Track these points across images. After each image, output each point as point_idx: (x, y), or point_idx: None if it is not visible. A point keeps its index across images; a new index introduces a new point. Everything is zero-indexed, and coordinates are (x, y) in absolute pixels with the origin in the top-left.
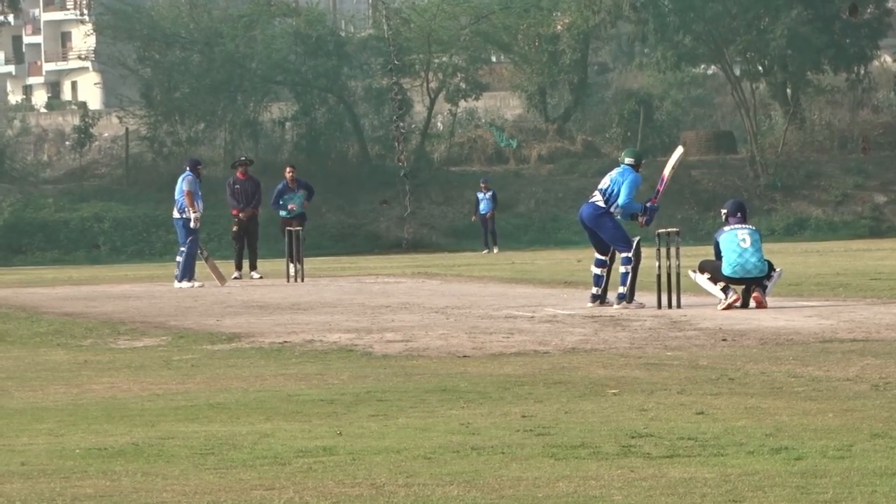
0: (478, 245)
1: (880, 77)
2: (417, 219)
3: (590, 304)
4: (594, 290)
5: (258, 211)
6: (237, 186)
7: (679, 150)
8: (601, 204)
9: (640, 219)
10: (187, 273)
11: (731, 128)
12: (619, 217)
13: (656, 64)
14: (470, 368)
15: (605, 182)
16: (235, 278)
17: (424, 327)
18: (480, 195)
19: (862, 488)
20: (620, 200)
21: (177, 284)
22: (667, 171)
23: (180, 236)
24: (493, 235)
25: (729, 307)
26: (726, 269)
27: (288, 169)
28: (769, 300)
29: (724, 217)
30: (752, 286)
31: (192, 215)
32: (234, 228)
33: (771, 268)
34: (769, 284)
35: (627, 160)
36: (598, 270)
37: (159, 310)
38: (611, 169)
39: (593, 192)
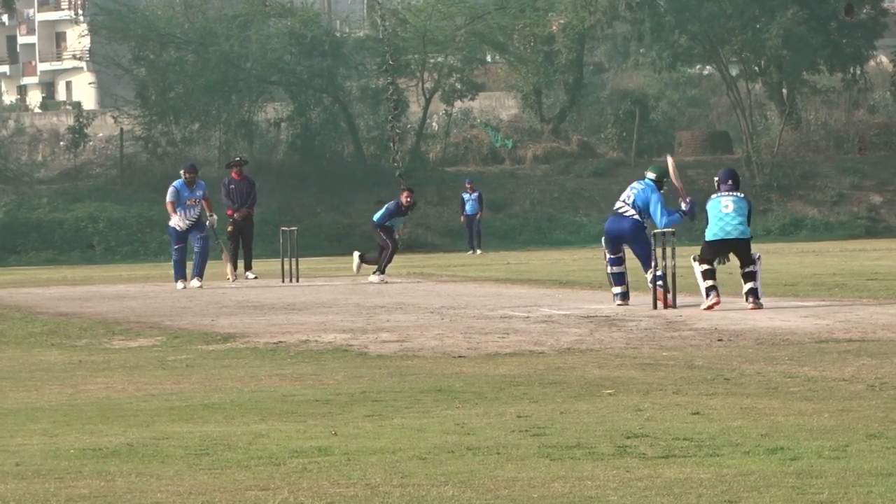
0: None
1: (876, 77)
2: (412, 219)
3: (619, 303)
4: (619, 289)
5: (253, 211)
6: (232, 186)
7: (669, 160)
8: (638, 218)
9: (684, 216)
10: (194, 273)
11: (727, 128)
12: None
13: (652, 64)
14: (465, 369)
15: (629, 195)
16: (228, 279)
17: (420, 327)
18: (466, 196)
19: (858, 489)
20: (660, 224)
21: (194, 283)
22: (676, 181)
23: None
24: (478, 236)
25: (710, 308)
26: (708, 235)
27: (406, 194)
28: (765, 300)
29: (716, 184)
30: (743, 284)
31: (174, 220)
32: (230, 228)
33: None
34: (757, 285)
35: (650, 175)
36: (618, 269)
37: (154, 310)
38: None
39: (617, 205)
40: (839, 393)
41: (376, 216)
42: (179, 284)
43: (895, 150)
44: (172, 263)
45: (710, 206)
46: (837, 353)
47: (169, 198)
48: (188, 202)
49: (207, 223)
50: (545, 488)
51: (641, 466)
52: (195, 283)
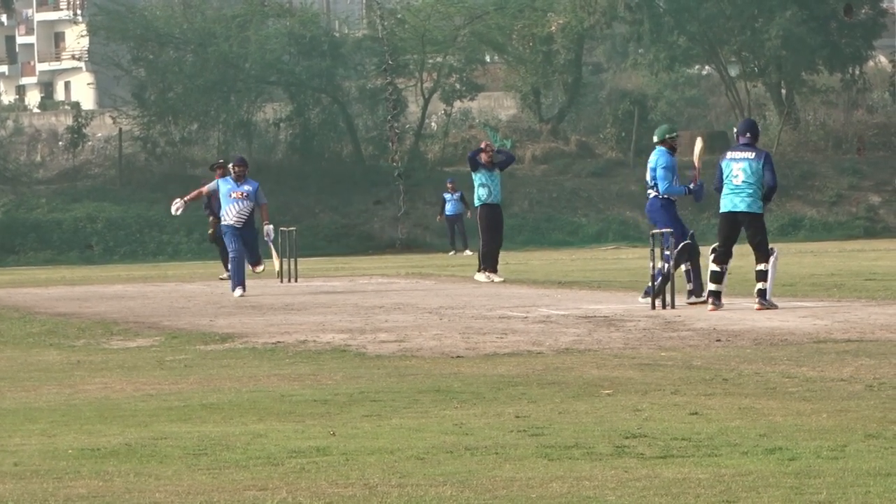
0: (470, 246)
1: (875, 77)
2: (411, 219)
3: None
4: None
5: None
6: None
7: (698, 142)
8: (653, 193)
9: (688, 194)
10: (241, 279)
11: (726, 128)
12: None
13: (650, 65)
14: (463, 369)
15: (650, 174)
16: (222, 279)
17: (418, 328)
18: (447, 196)
19: (856, 489)
20: (661, 188)
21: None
22: (696, 162)
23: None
24: (462, 237)
25: (694, 304)
26: (721, 207)
27: (484, 144)
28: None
29: (735, 136)
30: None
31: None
32: (210, 231)
33: (766, 254)
34: (767, 286)
35: (655, 139)
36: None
37: (152, 310)
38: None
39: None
40: (837, 393)
41: (475, 196)
42: (238, 292)
43: (894, 150)
44: (230, 266)
45: (724, 165)
46: (836, 353)
47: (205, 188)
48: (233, 194)
49: (264, 231)
50: (543, 488)
51: (640, 466)
52: (244, 290)
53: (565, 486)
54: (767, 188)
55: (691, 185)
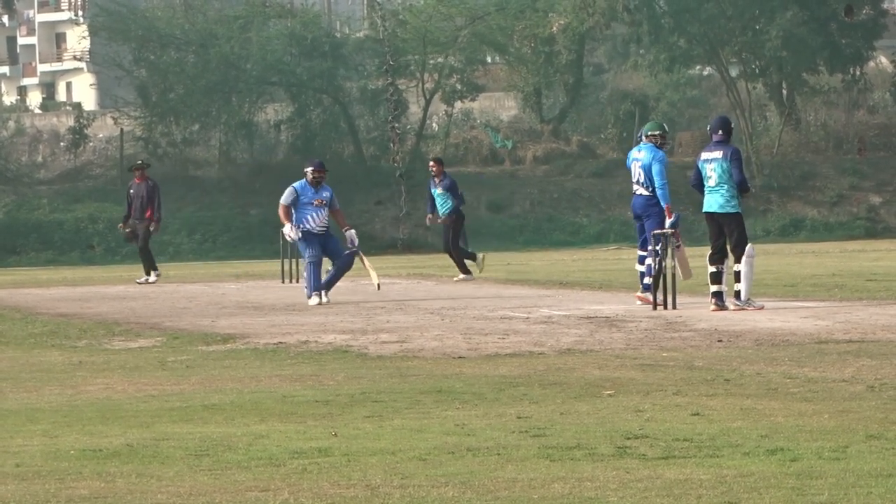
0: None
1: (876, 78)
2: (413, 219)
3: (639, 303)
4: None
5: (152, 217)
6: (131, 191)
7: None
8: (644, 192)
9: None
10: (321, 285)
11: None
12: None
13: (651, 65)
14: (465, 369)
15: (639, 174)
16: (140, 283)
17: (419, 328)
18: None
19: (857, 489)
20: (658, 183)
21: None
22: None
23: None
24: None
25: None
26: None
27: (431, 163)
28: (765, 301)
29: (709, 133)
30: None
31: (286, 230)
32: (128, 230)
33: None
34: (742, 286)
35: (646, 132)
36: (641, 268)
37: (154, 311)
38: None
39: (634, 189)
40: (839, 394)
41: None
42: (314, 300)
43: (894, 150)
44: (306, 277)
45: (699, 166)
46: (837, 353)
47: (283, 200)
48: (315, 202)
49: (347, 238)
50: (545, 489)
51: (641, 467)
52: (321, 297)
53: (567, 486)
54: (736, 184)
55: (669, 220)
